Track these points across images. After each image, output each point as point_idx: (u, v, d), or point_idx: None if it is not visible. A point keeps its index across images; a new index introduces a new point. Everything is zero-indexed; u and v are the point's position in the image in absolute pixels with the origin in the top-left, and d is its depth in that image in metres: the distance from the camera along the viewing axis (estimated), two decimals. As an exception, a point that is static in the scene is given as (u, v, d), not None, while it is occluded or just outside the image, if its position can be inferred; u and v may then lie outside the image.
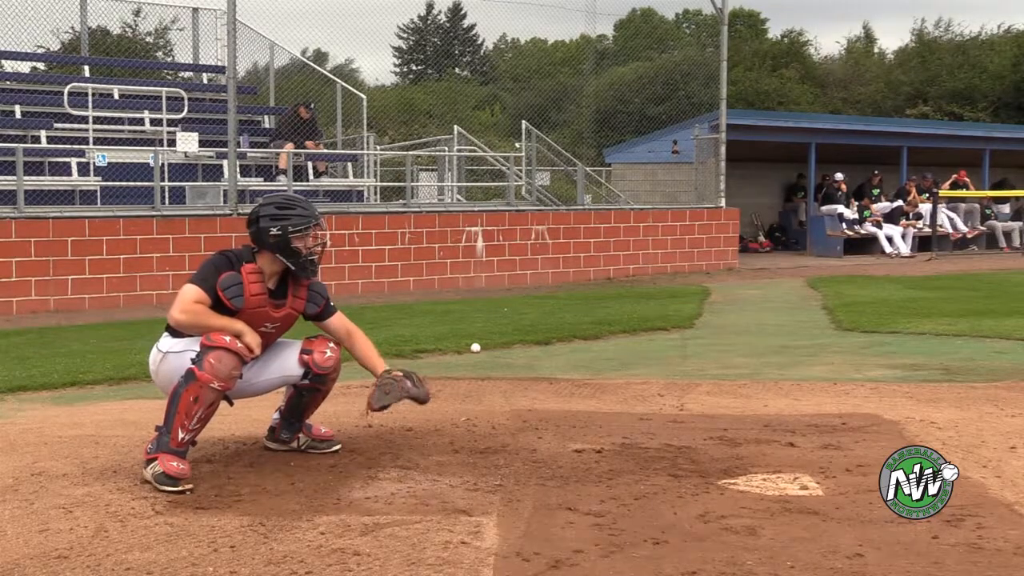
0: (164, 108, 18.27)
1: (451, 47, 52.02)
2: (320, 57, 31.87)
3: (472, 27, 50.19)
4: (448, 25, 52.03)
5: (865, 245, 25.15)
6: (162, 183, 16.05)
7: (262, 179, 18.33)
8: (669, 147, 23.47)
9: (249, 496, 5.11)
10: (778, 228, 27.92)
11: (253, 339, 5.45)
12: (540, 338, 11.07)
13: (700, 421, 6.79)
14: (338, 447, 6.02)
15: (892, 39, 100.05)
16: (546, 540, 4.45)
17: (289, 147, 17.92)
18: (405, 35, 56.46)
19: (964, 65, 52.19)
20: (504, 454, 5.88)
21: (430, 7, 49.27)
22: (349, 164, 20.42)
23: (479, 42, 53.34)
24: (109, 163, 16.44)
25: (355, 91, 21.65)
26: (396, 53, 56.28)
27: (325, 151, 19.77)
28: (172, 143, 17.49)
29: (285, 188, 17.07)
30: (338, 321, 5.92)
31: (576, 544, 4.39)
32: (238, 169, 16.53)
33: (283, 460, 5.77)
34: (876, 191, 26.44)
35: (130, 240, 14.95)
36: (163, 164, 16.39)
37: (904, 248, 25.13)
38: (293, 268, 5.67)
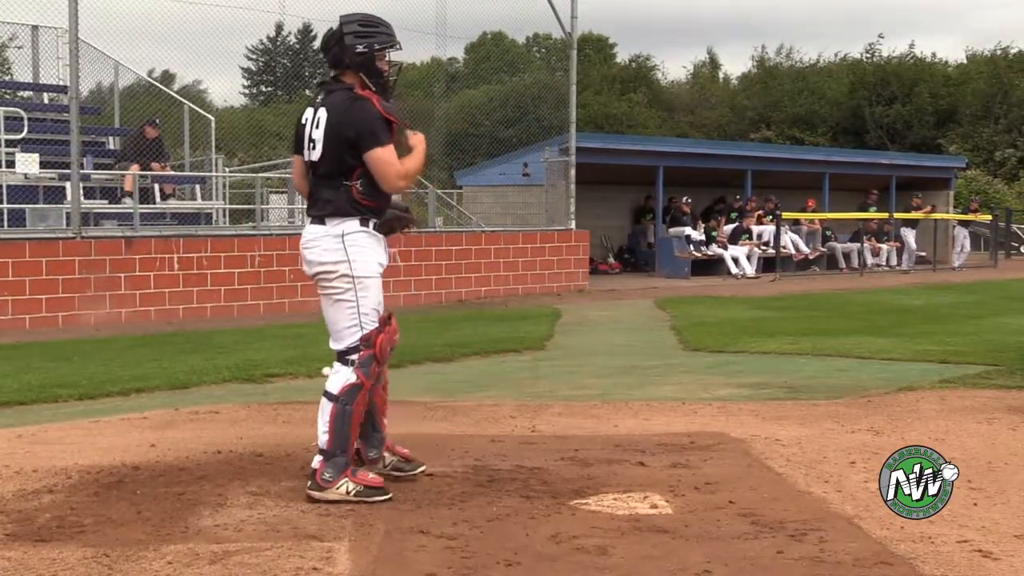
0: (2, 128, 17.64)
1: (301, 69, 51.47)
2: (167, 78, 31.18)
3: (322, 49, 49.79)
4: (298, 47, 51.52)
5: (712, 266, 25.65)
6: (1, 205, 15.55)
7: (106, 201, 17.89)
8: (520, 170, 23.59)
9: (93, 527, 4.96)
10: (627, 250, 28.29)
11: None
12: (392, 360, 10.92)
13: (552, 442, 6.84)
14: (423, 468, 5.89)
15: (737, 65, 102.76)
16: (398, 564, 4.43)
17: (135, 168, 17.54)
18: (254, 56, 55.82)
19: (804, 91, 54.02)
20: (356, 478, 5.82)
21: (280, 28, 48.67)
22: (197, 186, 20.06)
23: (330, 64, 52.98)
24: (-56, 185, 15.87)
25: (203, 112, 21.27)
26: (245, 74, 55.64)
27: (172, 173, 19.41)
28: (11, 164, 16.93)
29: (131, 211, 16.71)
30: None
31: (429, 567, 4.38)
32: (81, 191, 16.08)
33: (129, 489, 5.62)
34: (734, 214, 27.06)
35: (-33, 264, 14.42)
36: (2, 186, 15.89)
37: (749, 269, 25.73)
38: (374, 89, 5.48)
